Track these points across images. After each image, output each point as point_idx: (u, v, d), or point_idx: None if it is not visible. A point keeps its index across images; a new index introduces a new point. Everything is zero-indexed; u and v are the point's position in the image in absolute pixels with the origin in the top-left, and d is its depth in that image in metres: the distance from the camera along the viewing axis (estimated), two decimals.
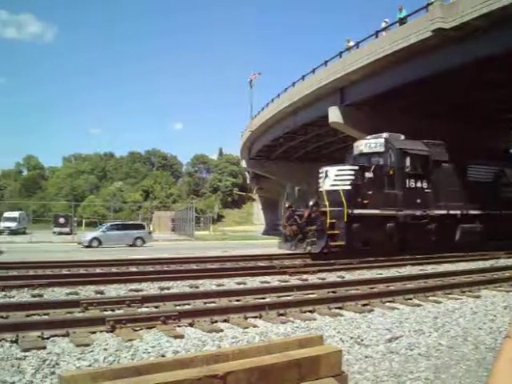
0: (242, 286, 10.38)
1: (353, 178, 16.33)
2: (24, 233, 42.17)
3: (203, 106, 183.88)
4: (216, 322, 6.71)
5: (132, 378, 3.06)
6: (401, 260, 15.37)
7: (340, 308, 7.83)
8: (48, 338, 5.64)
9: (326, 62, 25.61)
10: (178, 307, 7.61)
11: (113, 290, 9.64)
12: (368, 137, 18.56)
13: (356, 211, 15.87)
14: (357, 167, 16.73)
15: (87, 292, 9.44)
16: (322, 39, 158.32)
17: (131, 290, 9.60)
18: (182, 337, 5.84)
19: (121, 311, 7.31)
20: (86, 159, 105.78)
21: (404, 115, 23.17)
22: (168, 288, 10.06)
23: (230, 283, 10.84)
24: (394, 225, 16.72)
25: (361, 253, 15.61)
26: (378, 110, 23.62)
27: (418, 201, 17.48)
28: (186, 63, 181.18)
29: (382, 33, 21.67)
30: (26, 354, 4.99)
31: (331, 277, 12.27)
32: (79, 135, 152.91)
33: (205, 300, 8.25)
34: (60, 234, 42.59)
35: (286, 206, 17.21)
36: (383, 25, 22.23)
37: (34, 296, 8.92)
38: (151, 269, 13.50)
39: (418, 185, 17.63)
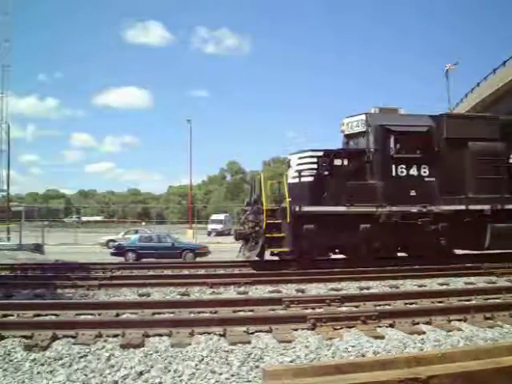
0: (444, 287, 10.04)
1: (315, 166, 13.47)
2: (229, 234, 46.52)
3: None
4: (417, 323, 6.49)
5: (332, 376, 3.07)
6: None
7: None
8: (253, 333, 6.05)
9: None
10: (377, 307, 7.53)
11: (313, 289, 9.99)
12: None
13: (306, 209, 12.97)
14: (320, 153, 13.63)
15: (288, 290, 9.93)
16: None
17: (331, 289, 9.83)
18: (382, 337, 5.77)
19: (321, 310, 7.50)
20: (284, 162, 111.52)
21: None
22: (367, 288, 10.03)
23: (431, 284, 10.49)
24: (372, 226, 13.18)
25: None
26: None
27: (413, 193, 13.56)
28: None
29: None
30: (233, 347, 5.42)
31: None
32: (276, 138, 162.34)
33: (405, 300, 8.08)
34: None
35: (245, 203, 15.08)
36: None
37: (239, 293, 9.72)
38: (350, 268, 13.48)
39: (413, 172, 13.67)
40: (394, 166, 13.54)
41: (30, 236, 25.35)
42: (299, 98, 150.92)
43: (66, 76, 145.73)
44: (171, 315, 7.25)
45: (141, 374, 4.61)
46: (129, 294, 9.60)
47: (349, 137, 14.86)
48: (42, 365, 4.90)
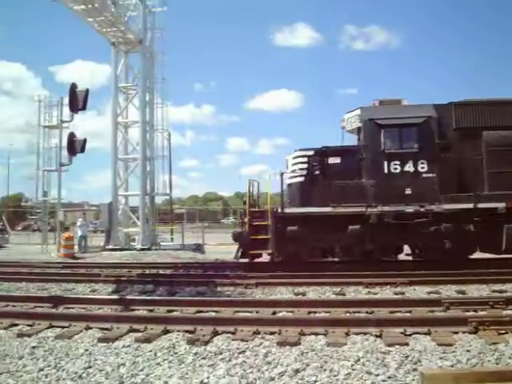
0: None
1: (305, 166, 13.09)
2: None
3: None
4: None
5: (495, 383, 2.90)
6: None
7: None
8: (410, 335, 5.89)
9: None
10: None
11: (475, 290, 9.42)
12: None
13: (288, 210, 12.84)
14: (311, 152, 13.16)
15: (448, 291, 9.46)
16: None
17: (494, 291, 9.21)
18: None
19: (484, 312, 7.07)
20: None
21: None
22: None
23: None
24: (361, 227, 12.37)
25: None
26: None
27: (408, 191, 12.36)
28: None
29: None
30: (390, 348, 5.35)
31: None
32: None
33: None
34: None
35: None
36: None
37: (395, 294, 9.49)
38: None
39: (409, 168, 12.52)
40: (386, 163, 12.67)
41: (191, 236, 27.35)
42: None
43: (219, 84, 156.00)
44: (327, 314, 7.38)
45: (297, 371, 4.78)
46: (285, 293, 9.97)
47: (351, 133, 14.40)
48: (204, 358, 5.34)
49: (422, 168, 12.58)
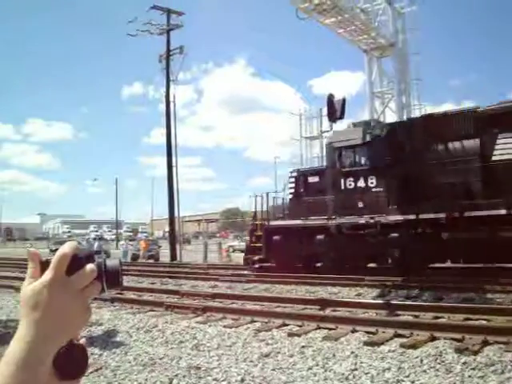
0: None
1: (293, 185, 16.38)
2: None
3: None
4: None
5: None
6: None
7: None
8: None
9: None
10: None
11: None
12: None
13: (272, 223, 16.21)
14: (295, 173, 16.67)
15: None
16: None
17: None
18: None
19: None
20: None
21: None
22: None
23: None
24: (325, 237, 14.36)
25: None
26: None
27: (361, 205, 14.01)
28: None
29: None
30: None
31: None
32: None
33: None
34: None
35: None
36: None
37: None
38: None
39: (360, 184, 14.23)
40: (342, 180, 14.67)
41: None
42: None
43: (479, 77, 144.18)
44: None
45: None
46: None
47: None
48: (473, 369, 4.96)
49: (372, 183, 14.26)
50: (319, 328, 7.50)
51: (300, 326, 7.68)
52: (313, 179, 15.88)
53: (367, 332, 6.97)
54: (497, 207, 11.73)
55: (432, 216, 12.84)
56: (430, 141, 13.61)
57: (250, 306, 9.85)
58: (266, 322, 8.12)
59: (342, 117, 18.46)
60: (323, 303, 9.35)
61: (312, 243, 14.82)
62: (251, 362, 5.76)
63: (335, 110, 17.73)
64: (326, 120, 23.51)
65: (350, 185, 14.60)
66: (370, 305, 9.00)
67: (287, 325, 7.85)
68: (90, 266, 0.75)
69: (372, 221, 13.77)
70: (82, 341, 0.80)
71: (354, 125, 16.25)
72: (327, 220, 14.65)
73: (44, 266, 0.75)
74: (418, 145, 13.87)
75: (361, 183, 14.42)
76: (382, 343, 6.25)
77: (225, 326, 7.91)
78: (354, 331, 7.10)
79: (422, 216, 12.94)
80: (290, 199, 16.38)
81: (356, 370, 5.26)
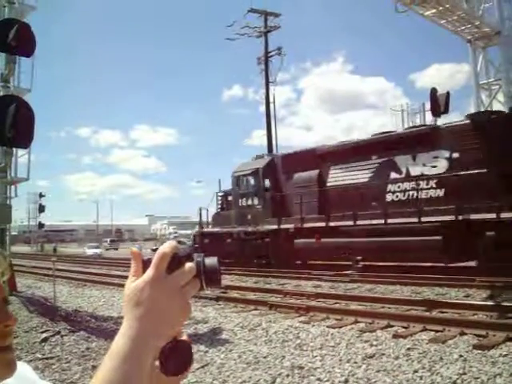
0: None
1: (220, 201, 22.94)
2: None
3: None
4: None
5: None
6: None
7: None
8: None
9: None
10: None
11: None
12: None
13: (205, 230, 22.82)
14: (222, 193, 22.89)
15: None
16: None
17: None
18: None
19: None
20: None
21: None
22: None
23: None
24: (231, 240, 20.40)
25: None
26: None
27: (249, 217, 20.02)
28: None
29: None
30: None
31: None
32: None
33: None
34: None
35: None
36: None
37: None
38: None
39: (250, 203, 20.47)
40: (239, 199, 21.02)
41: None
42: None
43: None
44: None
45: None
46: None
47: None
48: None
49: (255, 202, 20.26)
50: (425, 330, 7.35)
51: (405, 328, 7.58)
52: (230, 198, 22.14)
53: (476, 335, 6.73)
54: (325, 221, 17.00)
55: (287, 226, 18.39)
56: (289, 172, 19.21)
57: (353, 306, 9.86)
58: (370, 323, 8.11)
59: (446, 111, 17.72)
60: (430, 304, 9.12)
61: (226, 244, 20.42)
62: (355, 362, 5.82)
63: (439, 104, 17.07)
64: (429, 115, 22.75)
65: (243, 203, 20.87)
66: (480, 306, 8.62)
67: (392, 326, 7.78)
68: (189, 265, 0.78)
69: (255, 229, 19.67)
70: (187, 338, 0.84)
71: (256, 157, 22.23)
72: (232, 228, 20.84)
73: (146, 264, 0.79)
74: (280, 175, 19.85)
75: (249, 202, 20.64)
76: (493, 347, 6.02)
77: (328, 326, 8.01)
78: (462, 334, 6.89)
79: (281, 227, 18.59)
80: (217, 212, 22.87)
81: (465, 374, 5.14)
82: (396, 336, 7.07)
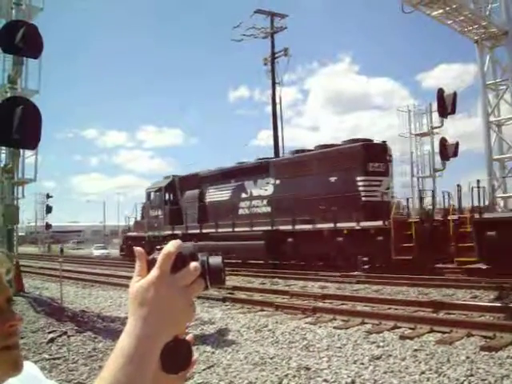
0: None
1: (141, 211, 29.19)
2: None
3: None
4: None
5: None
6: None
7: None
8: None
9: None
10: None
11: None
12: None
13: (128, 234, 29.99)
14: (142, 204, 29.27)
15: None
16: None
17: None
18: None
19: None
20: None
21: None
22: None
23: None
24: (144, 243, 24.28)
25: None
26: None
27: (156, 225, 26.54)
28: None
29: None
30: None
31: None
32: None
33: None
34: None
35: None
36: None
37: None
38: None
39: (156, 213, 26.93)
40: (150, 211, 27.55)
41: None
42: None
43: None
44: None
45: None
46: None
47: None
48: None
49: (159, 213, 26.74)
50: (432, 331, 7.33)
51: (412, 329, 7.56)
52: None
53: (484, 336, 6.70)
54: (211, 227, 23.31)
55: (177, 232, 24.27)
56: (183, 190, 26.08)
57: (360, 307, 9.84)
58: (377, 324, 8.09)
59: (453, 112, 17.66)
60: (437, 305, 9.09)
61: (141, 246, 25.38)
62: (362, 364, 5.81)
63: (446, 104, 17.01)
64: (436, 116, 22.71)
65: (152, 213, 27.11)
66: (487, 308, 8.59)
67: (399, 327, 7.76)
68: (193, 264, 0.77)
69: (158, 234, 25.55)
70: (189, 337, 0.83)
71: (164, 178, 28.30)
72: (144, 233, 26.98)
73: (150, 264, 0.78)
74: (177, 192, 26.50)
75: (156, 213, 26.83)
76: (501, 349, 5.99)
77: (335, 327, 8.00)
78: (469, 335, 6.86)
79: (174, 232, 24.44)
80: (137, 220, 29.04)
81: (472, 375, 5.12)
82: (403, 337, 7.05)
